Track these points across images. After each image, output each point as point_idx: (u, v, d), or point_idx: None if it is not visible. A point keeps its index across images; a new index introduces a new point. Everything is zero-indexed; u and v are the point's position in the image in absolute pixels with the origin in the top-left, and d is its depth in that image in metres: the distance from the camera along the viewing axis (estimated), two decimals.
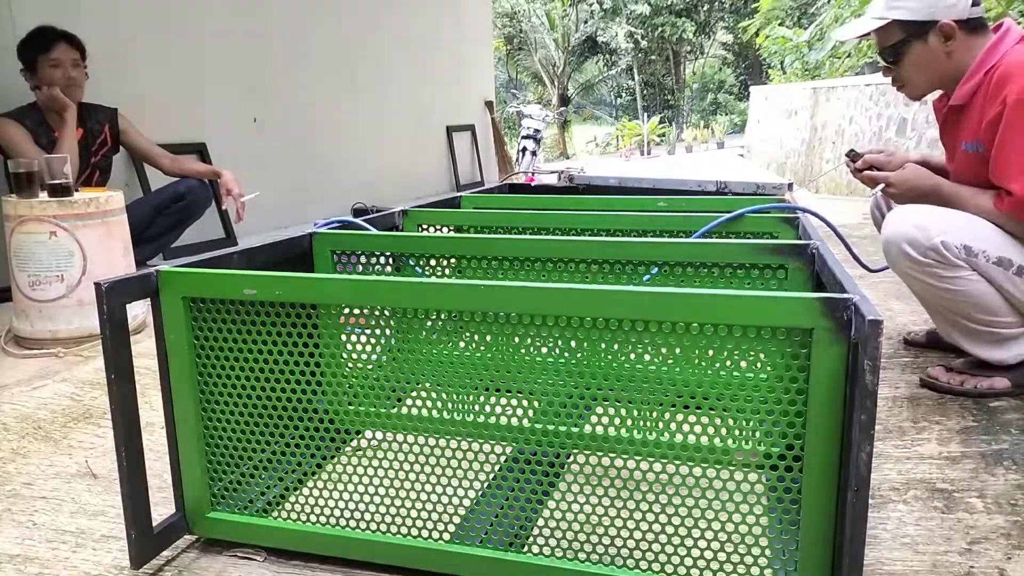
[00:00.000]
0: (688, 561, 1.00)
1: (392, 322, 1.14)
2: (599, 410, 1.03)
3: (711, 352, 0.96)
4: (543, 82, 22.26)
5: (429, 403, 1.11)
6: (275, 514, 1.21)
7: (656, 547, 1.01)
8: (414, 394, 1.11)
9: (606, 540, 1.03)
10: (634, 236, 1.71)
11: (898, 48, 1.78)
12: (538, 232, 1.80)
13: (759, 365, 0.97)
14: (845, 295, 0.88)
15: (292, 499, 1.20)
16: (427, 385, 1.10)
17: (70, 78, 2.98)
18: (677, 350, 0.97)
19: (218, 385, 1.18)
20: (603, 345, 1.01)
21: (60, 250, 2.35)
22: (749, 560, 0.97)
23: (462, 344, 1.07)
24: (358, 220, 1.69)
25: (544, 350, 1.04)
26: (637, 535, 1.01)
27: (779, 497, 0.94)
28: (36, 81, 2.97)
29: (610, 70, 22.83)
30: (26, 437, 1.71)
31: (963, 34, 1.71)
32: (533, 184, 2.88)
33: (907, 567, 1.15)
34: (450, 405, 1.10)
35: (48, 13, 3.18)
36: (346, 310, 1.14)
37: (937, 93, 1.87)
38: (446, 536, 1.11)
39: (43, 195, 2.41)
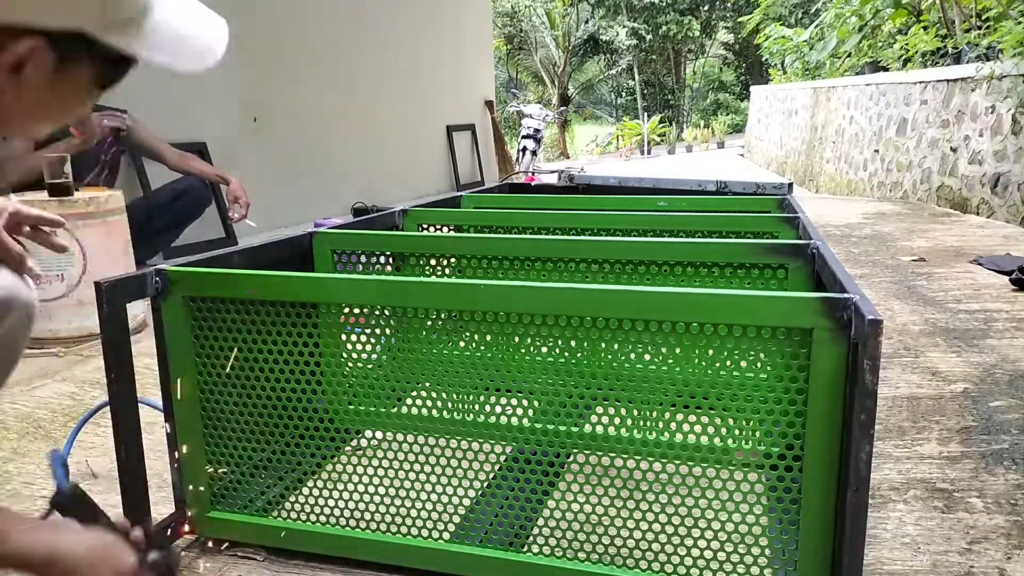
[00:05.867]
0: (688, 561, 1.00)
1: (392, 322, 1.14)
2: (599, 410, 1.03)
3: (711, 352, 0.96)
4: (543, 82, 22.25)
5: (429, 403, 1.11)
6: (275, 514, 1.21)
7: (656, 547, 1.01)
8: (414, 394, 1.11)
9: (606, 540, 1.03)
10: (634, 236, 1.71)
11: None
12: (538, 232, 1.80)
13: (759, 365, 0.97)
14: (845, 295, 0.88)
15: (292, 499, 1.20)
16: (427, 385, 1.10)
17: None
18: (677, 350, 0.97)
19: (218, 385, 1.18)
20: (603, 345, 1.01)
21: None
22: (749, 560, 0.97)
23: (462, 344, 1.07)
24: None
25: (544, 350, 1.04)
26: (637, 535, 1.01)
27: (779, 497, 0.94)
28: None
29: (610, 69, 22.81)
30: (26, 436, 1.71)
31: None
32: (533, 184, 2.88)
33: (907, 567, 1.15)
34: (450, 405, 1.10)
35: None
36: (346, 309, 1.14)
37: None
38: (446, 536, 1.11)
39: (43, 194, 2.41)
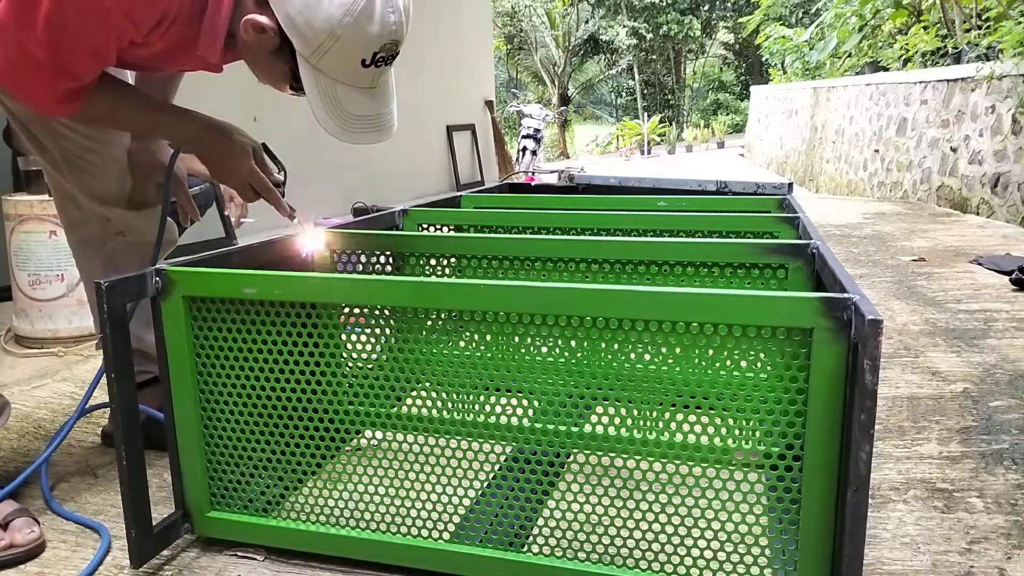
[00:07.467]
0: (688, 561, 1.00)
1: (392, 322, 1.14)
2: (599, 410, 1.03)
3: (711, 352, 0.96)
4: (543, 81, 22.25)
5: (429, 403, 1.11)
6: (275, 514, 1.21)
7: (656, 547, 1.01)
8: (414, 394, 1.11)
9: (606, 540, 1.03)
10: (634, 236, 1.71)
11: None
12: (538, 232, 1.80)
13: (759, 365, 0.97)
14: (845, 295, 0.88)
15: (292, 499, 1.20)
16: (427, 385, 1.10)
17: None
18: (677, 350, 0.97)
19: (218, 385, 1.18)
20: (603, 345, 1.01)
21: (60, 249, 2.35)
22: (749, 560, 0.97)
23: (462, 344, 1.07)
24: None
25: (544, 350, 1.04)
26: (637, 535, 1.01)
27: (779, 497, 0.94)
28: None
29: (610, 69, 22.81)
30: (26, 437, 1.71)
31: None
32: (533, 184, 2.88)
33: (907, 567, 1.15)
34: (450, 405, 1.10)
35: None
36: (346, 309, 1.14)
37: None
38: (446, 536, 1.11)
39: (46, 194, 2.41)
